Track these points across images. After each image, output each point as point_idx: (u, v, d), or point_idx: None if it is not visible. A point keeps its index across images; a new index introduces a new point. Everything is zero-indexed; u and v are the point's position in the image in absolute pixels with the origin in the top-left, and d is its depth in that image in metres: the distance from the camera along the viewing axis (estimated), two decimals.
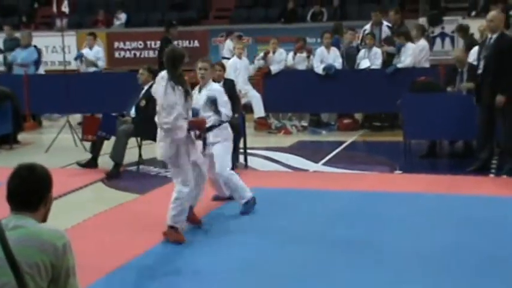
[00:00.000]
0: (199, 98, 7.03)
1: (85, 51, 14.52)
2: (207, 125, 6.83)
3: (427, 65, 12.32)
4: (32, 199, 2.88)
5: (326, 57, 12.65)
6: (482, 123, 8.79)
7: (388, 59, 12.64)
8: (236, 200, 7.26)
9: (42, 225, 2.89)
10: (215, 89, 7.15)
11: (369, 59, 12.67)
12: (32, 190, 2.88)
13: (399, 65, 12.14)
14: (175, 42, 14.25)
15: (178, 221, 6.25)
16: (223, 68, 10.22)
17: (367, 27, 13.54)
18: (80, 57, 14.43)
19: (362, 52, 12.92)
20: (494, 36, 8.63)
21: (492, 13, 9.07)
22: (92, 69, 14.25)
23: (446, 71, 10.73)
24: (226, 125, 7.28)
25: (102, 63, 14.60)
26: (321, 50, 12.73)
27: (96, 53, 14.45)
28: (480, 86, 8.68)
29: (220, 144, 7.18)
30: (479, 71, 8.69)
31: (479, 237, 6.20)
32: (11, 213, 2.88)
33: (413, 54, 12.10)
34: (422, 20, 17.83)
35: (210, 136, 7.03)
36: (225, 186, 7.34)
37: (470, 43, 12.05)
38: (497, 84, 8.45)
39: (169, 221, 6.24)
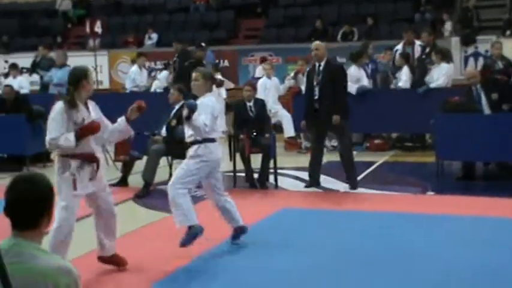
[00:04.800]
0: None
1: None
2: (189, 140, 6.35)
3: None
4: (31, 215, 2.59)
5: (362, 77, 12.54)
6: (316, 144, 9.50)
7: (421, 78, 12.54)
8: (175, 219, 6.44)
9: (47, 258, 2.58)
10: (201, 101, 6.29)
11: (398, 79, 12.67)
12: (31, 205, 2.58)
13: (432, 85, 12.03)
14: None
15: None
16: (254, 88, 10.30)
17: (399, 47, 13.48)
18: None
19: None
20: (322, 63, 9.15)
21: (316, 42, 9.52)
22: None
23: (464, 92, 10.45)
24: (208, 144, 6.37)
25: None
26: (354, 70, 12.56)
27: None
28: (317, 110, 9.13)
29: (186, 160, 6.45)
30: (316, 97, 9.15)
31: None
32: (12, 234, 2.62)
33: (446, 74, 12.00)
34: (455, 40, 17.73)
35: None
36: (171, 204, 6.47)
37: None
38: (333, 107, 9.02)
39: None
